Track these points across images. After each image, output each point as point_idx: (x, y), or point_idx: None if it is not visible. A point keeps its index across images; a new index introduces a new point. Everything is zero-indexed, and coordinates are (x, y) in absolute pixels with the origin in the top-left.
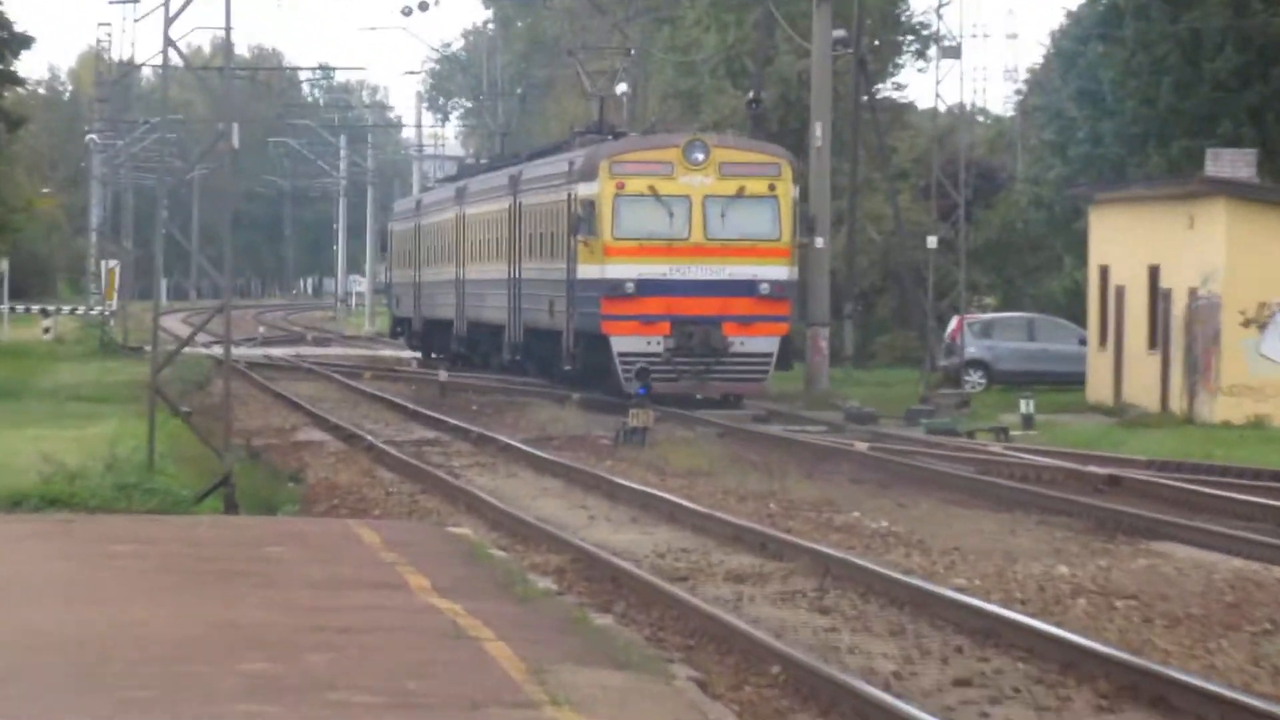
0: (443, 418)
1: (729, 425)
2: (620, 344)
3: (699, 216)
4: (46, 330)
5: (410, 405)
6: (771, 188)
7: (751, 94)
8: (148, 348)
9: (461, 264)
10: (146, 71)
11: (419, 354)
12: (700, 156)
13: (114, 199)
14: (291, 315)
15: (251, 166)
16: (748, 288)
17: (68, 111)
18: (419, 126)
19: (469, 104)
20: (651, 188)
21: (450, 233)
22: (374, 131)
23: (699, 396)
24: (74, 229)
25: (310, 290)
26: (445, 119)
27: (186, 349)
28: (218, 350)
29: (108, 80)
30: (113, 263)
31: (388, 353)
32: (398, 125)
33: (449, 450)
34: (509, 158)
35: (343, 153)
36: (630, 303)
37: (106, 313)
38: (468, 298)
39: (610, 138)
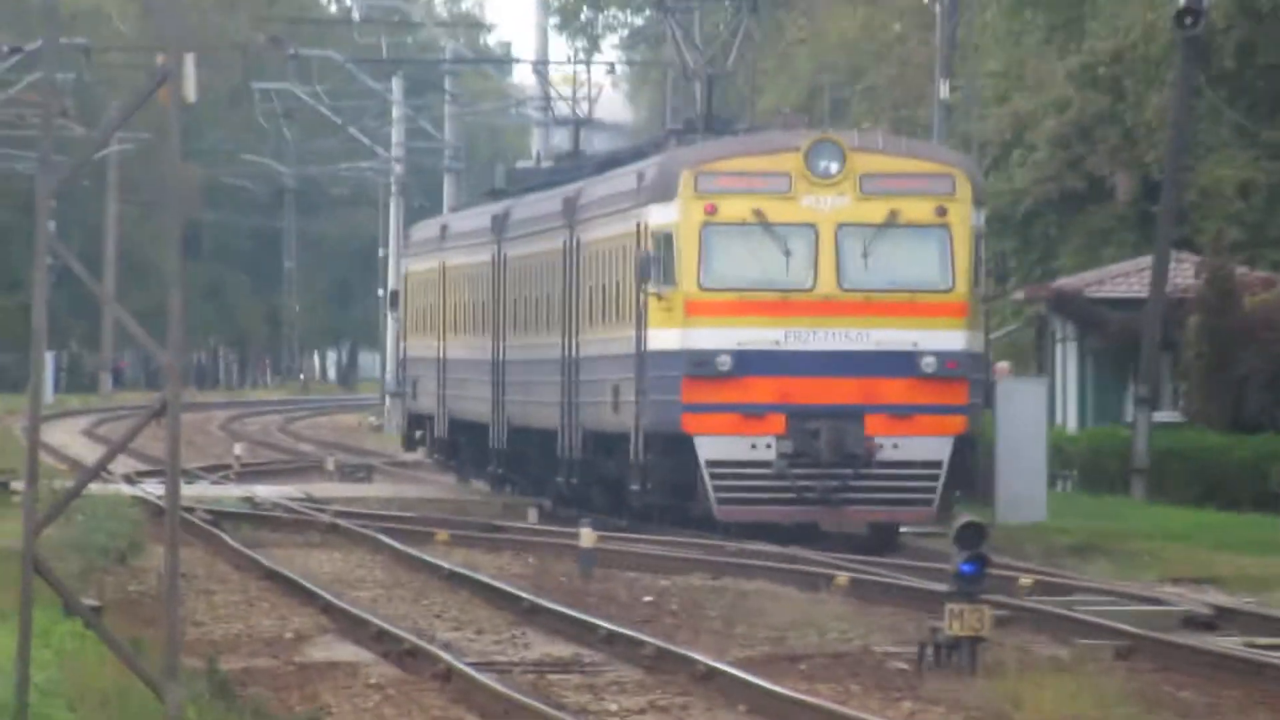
0: (588, 618)
1: (1137, 633)
2: (709, 448)
3: (829, 256)
4: None
5: (526, 594)
6: (941, 211)
7: (1183, 1)
8: (17, 484)
9: (500, 334)
10: None
11: (464, 476)
12: (833, 166)
13: None
14: (297, 421)
15: (221, 139)
16: (905, 363)
17: None
18: (543, 64)
19: (640, 22)
20: (758, 212)
21: (485, 282)
22: (457, 73)
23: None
24: None
25: (333, 373)
26: (593, 50)
27: (95, 486)
28: (155, 489)
29: None
30: None
31: (478, 493)
32: (505, 60)
33: (599, 681)
34: (577, 164)
35: (397, 111)
36: (725, 385)
37: None
38: (509, 388)
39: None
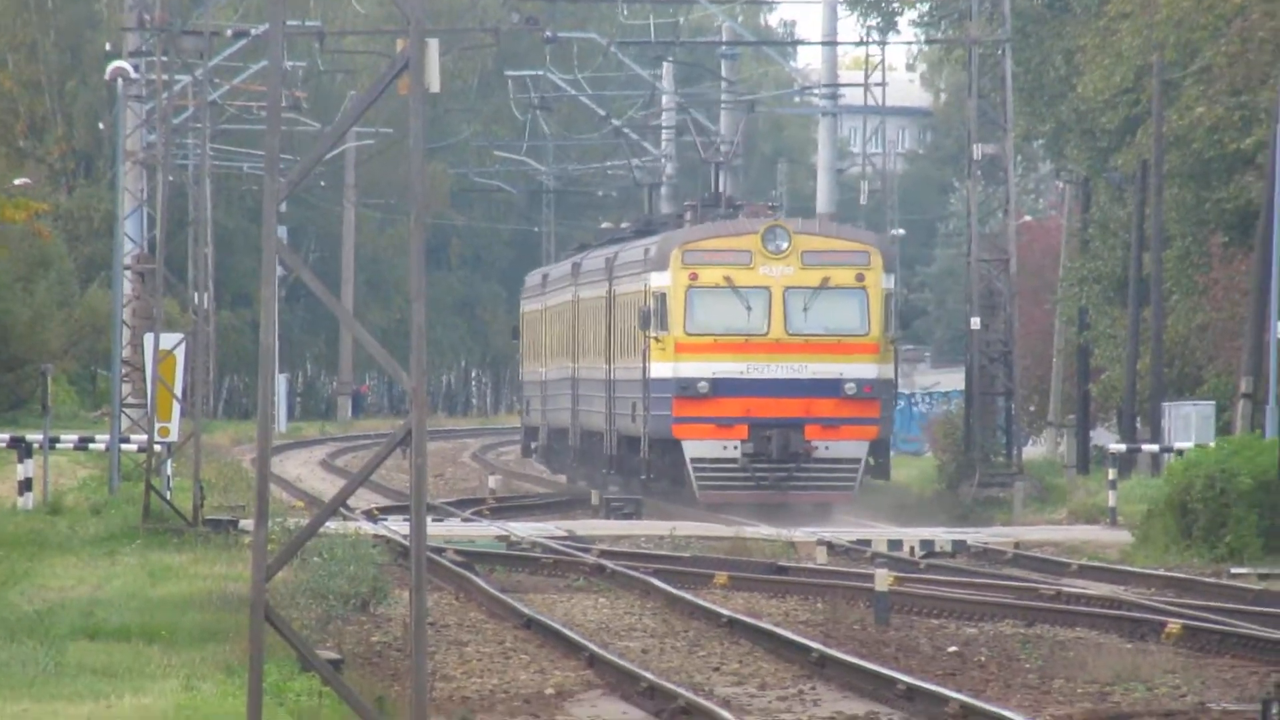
0: (885, 671)
1: None
2: (693, 449)
3: (779, 310)
4: (25, 488)
5: (815, 644)
6: (859, 278)
7: None
8: (246, 523)
9: (575, 358)
10: None
11: (546, 466)
12: (782, 244)
13: (168, 199)
14: None
15: (471, 134)
16: (832, 387)
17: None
18: (832, 43)
19: None
20: (728, 278)
21: (568, 318)
22: (734, 57)
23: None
24: (81, 271)
25: None
26: (888, 29)
27: (333, 524)
28: (400, 527)
29: None
30: (171, 339)
31: (760, 531)
32: (789, 42)
33: None
34: (632, 228)
35: (667, 101)
36: (704, 404)
37: (158, 446)
38: (580, 400)
39: (739, 213)
